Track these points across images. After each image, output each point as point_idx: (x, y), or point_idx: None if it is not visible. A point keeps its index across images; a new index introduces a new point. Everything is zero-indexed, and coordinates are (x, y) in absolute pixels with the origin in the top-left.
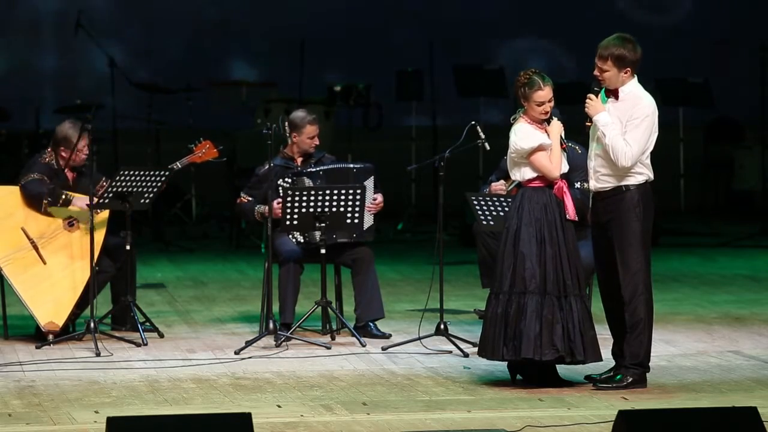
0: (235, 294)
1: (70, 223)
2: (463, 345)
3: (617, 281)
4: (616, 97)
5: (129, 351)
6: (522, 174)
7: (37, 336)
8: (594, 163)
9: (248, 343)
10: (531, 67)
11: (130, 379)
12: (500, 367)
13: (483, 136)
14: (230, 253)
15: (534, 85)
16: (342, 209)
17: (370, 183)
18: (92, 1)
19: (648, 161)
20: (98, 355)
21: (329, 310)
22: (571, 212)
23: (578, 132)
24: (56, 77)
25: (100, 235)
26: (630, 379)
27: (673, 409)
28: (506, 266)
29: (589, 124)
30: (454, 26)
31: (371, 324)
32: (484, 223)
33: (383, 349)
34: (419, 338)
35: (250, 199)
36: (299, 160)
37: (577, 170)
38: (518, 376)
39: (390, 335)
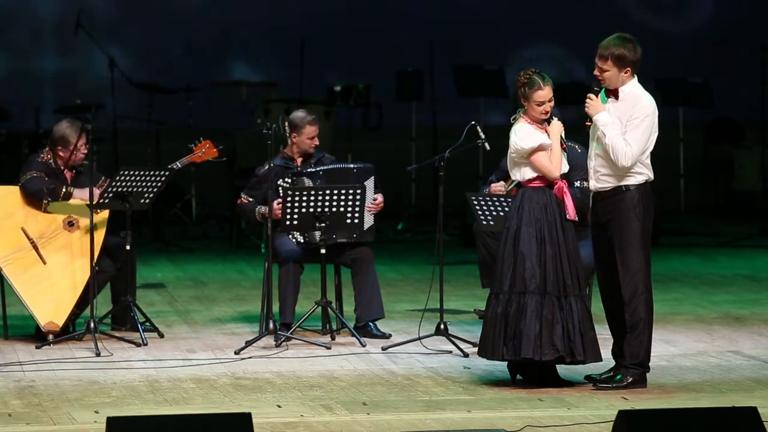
0: (235, 294)
1: (70, 223)
2: (463, 345)
3: (617, 281)
4: (616, 97)
5: (129, 351)
6: (522, 174)
7: (37, 336)
8: (594, 163)
9: (248, 343)
10: (531, 68)
11: (130, 379)
12: (500, 367)
13: (483, 136)
14: (230, 253)
15: (534, 84)
16: (342, 209)
17: (370, 183)
18: (92, 1)
19: (648, 161)
20: (98, 355)
21: (329, 310)
22: (571, 212)
23: (578, 132)
24: (56, 77)
25: (100, 235)
26: (630, 379)
27: (673, 409)
28: (506, 266)
29: (589, 123)
30: (454, 26)
31: (371, 324)
32: (484, 223)
33: (383, 349)
34: (419, 338)
35: (251, 199)
36: (299, 160)
37: (577, 169)
38: (518, 376)
39: (390, 335)
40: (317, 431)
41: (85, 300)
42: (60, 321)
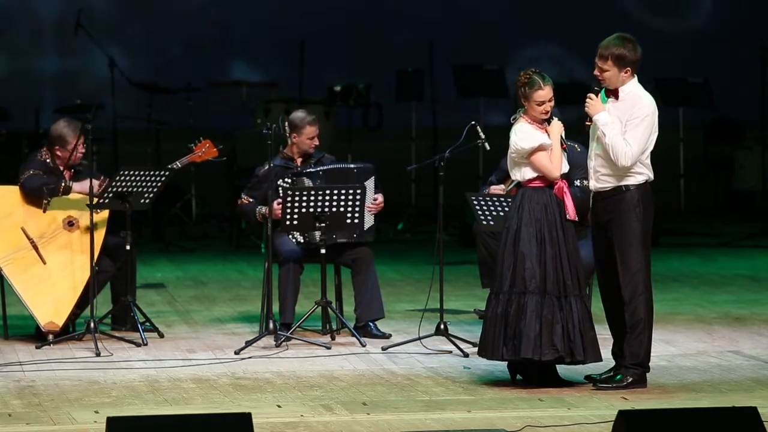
0: (235, 294)
1: (70, 222)
2: (463, 345)
3: (617, 281)
4: (616, 97)
5: (129, 351)
6: (522, 174)
7: (37, 336)
8: (594, 162)
9: (248, 343)
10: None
11: (130, 379)
12: (500, 367)
13: (483, 136)
14: (230, 253)
15: (534, 84)
16: (342, 209)
17: (370, 183)
18: (92, 1)
19: (648, 161)
20: (98, 355)
21: (329, 310)
22: (571, 212)
23: (578, 132)
24: (56, 77)
25: (100, 235)
26: (630, 379)
27: (673, 409)
28: (506, 266)
29: (588, 123)
30: (454, 26)
31: (371, 324)
32: (484, 223)
33: (383, 349)
34: (419, 338)
35: (251, 200)
36: (299, 160)
37: (577, 168)
38: (518, 376)
39: (390, 335)
40: (317, 431)
41: (85, 300)
42: (60, 321)
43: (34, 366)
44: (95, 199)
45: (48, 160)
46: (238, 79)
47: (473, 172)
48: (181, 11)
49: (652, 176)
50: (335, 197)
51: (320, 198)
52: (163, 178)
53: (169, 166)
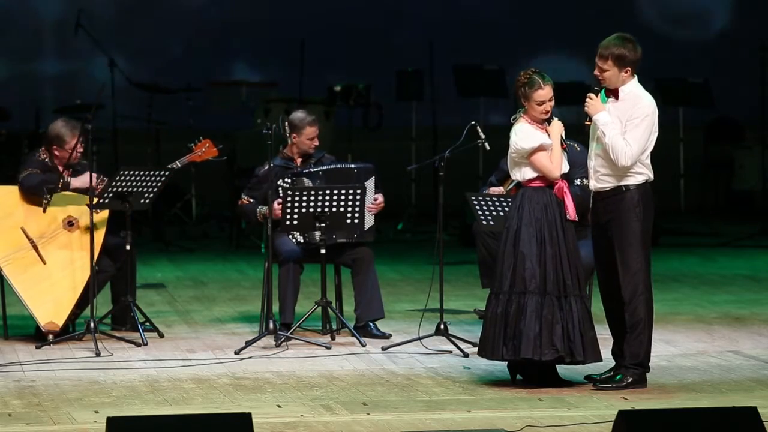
0: (235, 294)
1: (70, 222)
2: (463, 345)
3: (617, 281)
4: (616, 97)
5: (129, 351)
6: (522, 174)
7: (37, 336)
8: (594, 162)
9: (248, 343)
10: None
11: (130, 379)
12: (500, 367)
13: (483, 136)
14: (230, 253)
15: (534, 84)
16: (342, 209)
17: (371, 183)
18: (92, 1)
19: (648, 161)
20: (98, 355)
21: (329, 310)
22: (571, 212)
23: (578, 132)
24: (56, 77)
25: (100, 235)
26: (630, 379)
27: (673, 409)
28: (506, 266)
29: (588, 123)
30: (454, 26)
31: (371, 324)
32: (484, 223)
33: (383, 349)
34: (419, 338)
35: (252, 200)
36: (299, 160)
37: (577, 167)
38: (518, 376)
39: (390, 335)
40: (317, 431)
41: (85, 300)
42: (60, 321)
43: (34, 366)
44: (95, 199)
45: (46, 160)
46: (238, 79)
47: (473, 172)
48: (181, 11)
49: (652, 176)
50: (335, 197)
51: (320, 198)
52: (163, 178)
53: (169, 166)
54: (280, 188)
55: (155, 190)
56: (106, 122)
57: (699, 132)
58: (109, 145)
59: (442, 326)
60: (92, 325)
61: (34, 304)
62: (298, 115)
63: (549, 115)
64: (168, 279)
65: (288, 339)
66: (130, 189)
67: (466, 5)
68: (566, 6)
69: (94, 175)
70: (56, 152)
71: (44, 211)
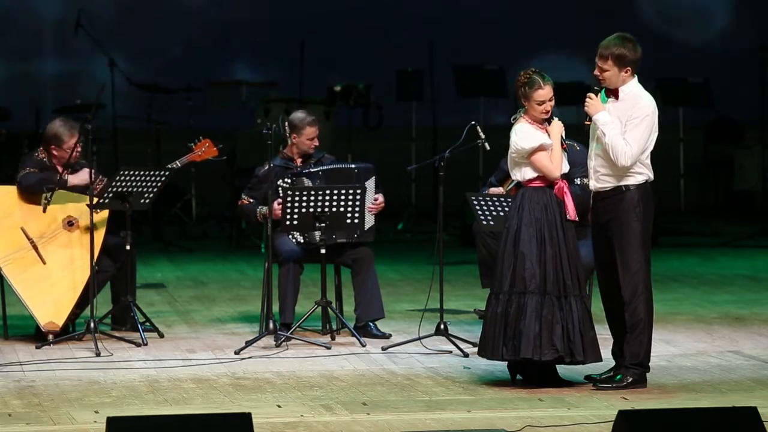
0: (235, 294)
1: (70, 222)
2: (463, 345)
3: (617, 281)
4: (616, 97)
5: (129, 351)
6: (522, 174)
7: (37, 336)
8: (594, 162)
9: (248, 343)
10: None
11: (130, 379)
12: (500, 367)
13: (483, 136)
14: (230, 253)
15: (534, 84)
16: (342, 209)
17: (371, 183)
18: (92, 1)
19: (648, 161)
20: (98, 355)
21: (329, 310)
22: (571, 212)
23: (578, 132)
24: (56, 77)
25: (100, 235)
26: (630, 379)
27: (673, 409)
28: (506, 266)
29: (588, 123)
30: (454, 26)
31: (371, 324)
32: (484, 223)
33: (383, 349)
34: (419, 338)
35: (252, 200)
36: (299, 160)
37: (577, 166)
38: (518, 376)
39: (390, 335)
40: (317, 431)
41: (85, 300)
42: (60, 321)
43: (34, 366)
44: (95, 199)
45: (44, 159)
46: (238, 79)
47: (473, 172)
48: (181, 11)
49: (652, 176)
50: (335, 197)
51: (320, 198)
52: (163, 178)
53: (169, 166)
54: (280, 188)
55: (155, 190)
56: (106, 122)
57: (699, 132)
58: (109, 145)
59: (442, 326)
60: (92, 325)
61: (34, 304)
62: (298, 115)
63: (549, 115)
64: (168, 279)
65: (288, 339)
66: (130, 189)
67: (466, 5)
68: (566, 6)
69: (93, 171)
70: (54, 152)
71: (44, 211)
